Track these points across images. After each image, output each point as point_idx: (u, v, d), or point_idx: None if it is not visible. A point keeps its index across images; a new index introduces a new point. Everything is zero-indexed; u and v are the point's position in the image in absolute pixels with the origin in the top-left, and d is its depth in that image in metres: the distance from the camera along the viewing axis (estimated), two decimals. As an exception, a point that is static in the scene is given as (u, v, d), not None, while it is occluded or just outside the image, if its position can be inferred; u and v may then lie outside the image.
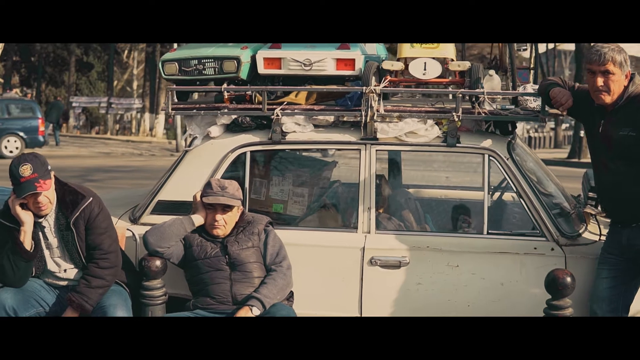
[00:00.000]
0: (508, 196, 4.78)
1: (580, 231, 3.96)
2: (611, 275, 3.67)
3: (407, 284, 3.91)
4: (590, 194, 4.36)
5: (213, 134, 4.15)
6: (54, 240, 3.73)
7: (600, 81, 3.56)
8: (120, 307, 3.63)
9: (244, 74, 4.17)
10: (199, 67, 4.21)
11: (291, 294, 3.85)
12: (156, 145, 27.55)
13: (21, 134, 19.26)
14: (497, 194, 4.84)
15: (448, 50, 4.12)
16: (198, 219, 3.85)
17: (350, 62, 4.10)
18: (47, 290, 3.77)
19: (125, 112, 33.78)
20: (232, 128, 4.17)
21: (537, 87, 4.04)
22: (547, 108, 3.90)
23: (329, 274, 3.97)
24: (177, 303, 3.94)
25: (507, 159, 3.93)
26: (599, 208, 4.04)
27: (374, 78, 4.01)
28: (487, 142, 3.97)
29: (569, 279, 3.47)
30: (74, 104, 31.68)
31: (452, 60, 4.14)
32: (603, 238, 3.85)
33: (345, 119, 4.09)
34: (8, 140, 19.17)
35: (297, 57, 4.11)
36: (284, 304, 3.73)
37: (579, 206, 4.21)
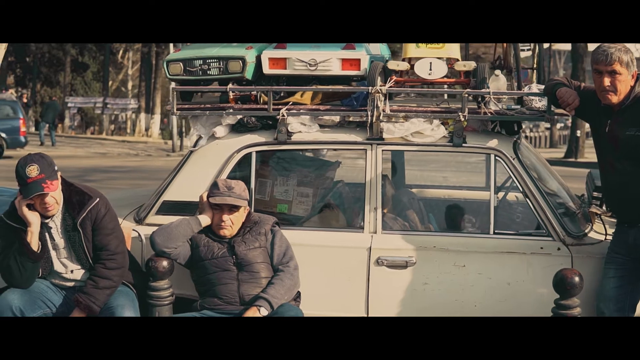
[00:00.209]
0: (510, 196, 4.79)
1: (586, 231, 3.97)
2: (618, 274, 3.68)
3: (414, 284, 3.91)
4: (595, 194, 4.37)
5: (218, 134, 4.15)
6: (60, 241, 3.72)
7: (607, 81, 3.57)
8: (128, 308, 3.62)
9: (249, 74, 4.16)
10: (203, 67, 4.20)
11: (298, 294, 3.85)
12: (152, 145, 27.51)
13: (2, 134, 18.89)
14: (500, 194, 4.84)
15: (453, 50, 4.12)
16: (205, 220, 3.84)
17: (356, 62, 4.10)
18: (54, 291, 3.76)
19: (120, 113, 33.72)
20: (238, 128, 4.17)
21: (542, 87, 4.04)
22: (553, 108, 3.91)
23: (335, 274, 3.96)
24: (183, 303, 3.93)
25: (514, 159, 3.93)
26: (604, 208, 4.05)
27: (379, 78, 4.01)
28: (493, 142, 3.97)
29: (577, 279, 3.48)
30: (69, 104, 31.60)
31: (458, 60, 4.14)
32: (609, 238, 3.86)
33: (351, 119, 4.08)
34: None
35: (302, 57, 4.11)
36: (291, 305, 3.72)
37: (584, 206, 4.22)
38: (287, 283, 3.72)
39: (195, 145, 4.23)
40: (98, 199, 3.69)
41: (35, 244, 3.60)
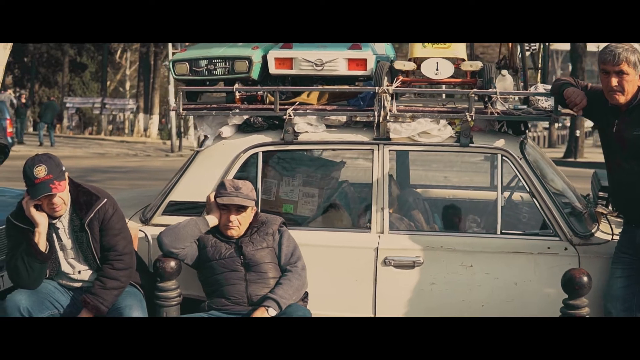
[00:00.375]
0: (515, 196, 4.79)
1: (593, 231, 3.97)
2: (625, 274, 3.68)
3: (421, 284, 3.91)
4: (601, 194, 4.37)
5: (225, 135, 4.14)
6: (68, 242, 3.71)
7: (614, 81, 3.57)
8: (136, 308, 3.61)
9: (255, 74, 4.16)
10: (209, 67, 4.20)
11: (306, 294, 3.84)
12: (150, 145, 27.48)
13: None
14: (506, 194, 4.84)
15: (459, 50, 4.12)
16: (212, 220, 3.83)
17: (362, 62, 4.10)
18: (62, 292, 3.76)
19: (119, 113, 33.68)
20: (244, 128, 4.16)
21: (548, 86, 4.05)
22: (560, 108, 3.91)
23: (342, 274, 3.96)
24: (190, 304, 3.93)
25: (520, 159, 3.93)
26: (610, 207, 4.06)
27: (386, 78, 4.01)
28: (500, 142, 3.97)
29: (585, 279, 3.48)
30: (67, 105, 31.54)
31: (464, 60, 4.14)
32: (615, 237, 3.86)
33: (358, 119, 4.08)
34: None
35: (308, 57, 4.11)
36: (299, 305, 3.72)
37: (590, 206, 4.22)
38: (295, 283, 3.71)
39: (201, 145, 4.23)
40: (106, 200, 3.69)
41: (43, 245, 3.59)
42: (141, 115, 32.59)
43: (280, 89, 4.09)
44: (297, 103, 4.12)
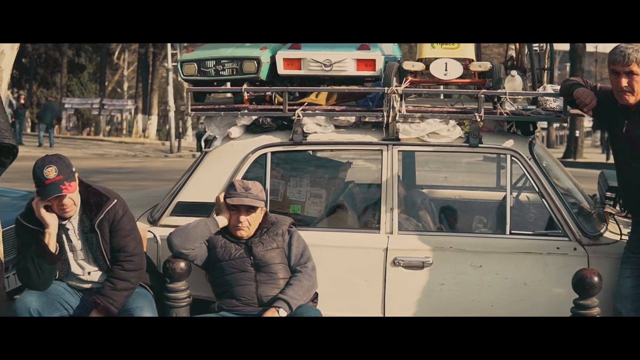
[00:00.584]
0: (520, 196, 4.79)
1: (602, 231, 3.97)
2: (634, 274, 3.68)
3: (431, 285, 3.90)
4: (608, 194, 4.38)
5: (233, 135, 4.14)
6: (77, 243, 3.70)
7: (624, 82, 3.57)
8: (146, 309, 3.60)
9: (263, 74, 4.16)
10: (217, 67, 4.20)
11: (316, 295, 3.84)
12: (149, 146, 27.47)
13: None
14: (513, 194, 4.84)
15: (468, 50, 4.13)
16: (222, 221, 3.83)
17: (371, 63, 4.10)
18: (71, 294, 3.74)
19: (117, 114, 33.64)
20: (253, 129, 4.16)
21: (557, 87, 4.05)
22: (568, 108, 3.92)
23: (351, 274, 3.96)
24: (199, 305, 3.92)
25: (529, 159, 3.94)
26: (618, 207, 4.06)
27: (395, 79, 4.01)
28: (509, 143, 3.97)
29: (596, 279, 3.48)
30: (66, 106, 31.50)
31: (472, 60, 4.14)
32: (624, 237, 3.87)
33: (367, 119, 4.07)
34: None
35: (317, 58, 4.11)
36: (310, 306, 3.71)
37: (599, 206, 4.22)
38: (305, 284, 3.71)
39: (209, 146, 4.22)
40: (116, 200, 3.68)
41: (53, 246, 3.58)
42: (140, 116, 32.55)
43: (289, 90, 4.09)
44: (305, 104, 4.12)
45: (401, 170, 5.22)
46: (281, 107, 4.07)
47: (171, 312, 3.74)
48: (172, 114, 25.98)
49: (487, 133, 4.03)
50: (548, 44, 4.60)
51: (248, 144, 4.12)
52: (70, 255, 3.71)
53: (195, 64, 4.22)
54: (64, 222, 3.66)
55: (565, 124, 28.53)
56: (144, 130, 32.21)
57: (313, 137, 4.09)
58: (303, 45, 4.17)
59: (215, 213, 3.92)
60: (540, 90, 4.15)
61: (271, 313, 3.60)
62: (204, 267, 3.87)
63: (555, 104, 4.01)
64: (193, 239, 3.76)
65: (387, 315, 3.93)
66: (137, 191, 5.88)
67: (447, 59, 4.04)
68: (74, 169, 3.62)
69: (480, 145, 3.97)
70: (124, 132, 33.91)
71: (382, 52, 4.14)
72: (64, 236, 3.67)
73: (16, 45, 4.21)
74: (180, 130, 28.96)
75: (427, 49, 4.11)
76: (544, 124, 33.62)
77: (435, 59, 4.07)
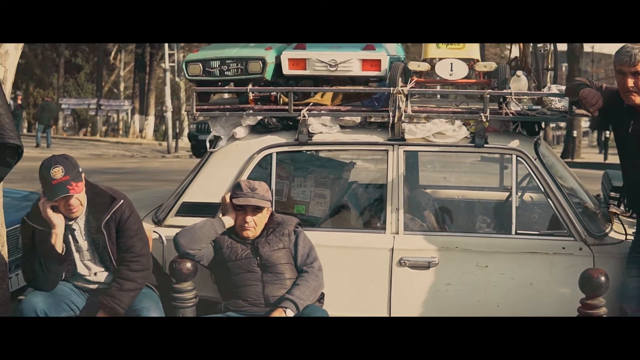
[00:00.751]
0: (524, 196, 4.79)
1: (607, 231, 3.98)
2: (640, 274, 3.69)
3: (436, 285, 3.91)
4: (612, 194, 4.38)
5: (239, 135, 4.13)
6: (84, 243, 3.69)
7: (630, 82, 3.57)
8: (153, 310, 3.60)
9: (269, 74, 4.16)
10: (222, 67, 4.19)
11: (322, 295, 3.84)
12: (146, 147, 27.44)
13: None
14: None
15: (473, 50, 4.13)
16: (228, 221, 3.82)
17: (377, 63, 4.10)
18: (77, 294, 3.74)
19: (114, 114, 33.60)
20: (258, 129, 4.15)
21: (562, 87, 4.06)
22: (574, 108, 3.92)
23: (357, 275, 3.96)
24: (204, 306, 3.91)
25: (535, 159, 3.94)
26: (622, 207, 4.06)
27: (400, 79, 4.01)
28: (515, 143, 3.98)
29: (603, 278, 3.48)
30: (63, 106, 31.44)
31: (478, 60, 4.14)
32: (629, 237, 3.87)
33: (372, 119, 4.07)
34: None
35: (322, 58, 4.10)
36: (317, 306, 3.71)
37: (604, 206, 4.23)
38: (312, 284, 3.71)
39: (214, 146, 4.22)
40: (122, 201, 3.67)
41: (59, 246, 3.57)
42: (137, 117, 32.51)
43: (295, 90, 4.09)
44: (311, 104, 4.11)
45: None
46: (286, 107, 4.07)
47: (177, 313, 3.73)
48: (169, 114, 25.97)
49: (493, 133, 4.03)
50: (551, 44, 4.60)
51: (253, 145, 4.11)
52: (76, 255, 3.70)
53: (200, 64, 4.21)
54: (70, 223, 3.65)
55: (562, 124, 28.58)
56: (140, 131, 32.18)
57: (318, 138, 4.09)
58: (308, 46, 4.16)
59: (221, 213, 3.92)
60: (545, 90, 4.15)
61: (278, 313, 3.59)
62: (210, 268, 3.86)
63: (561, 104, 4.02)
64: (199, 239, 3.76)
65: (393, 315, 3.93)
66: (136, 191, 5.86)
67: (452, 59, 4.05)
68: (80, 169, 3.61)
69: (486, 145, 3.97)
70: (121, 132, 33.86)
71: (387, 53, 4.14)
72: (70, 237, 3.67)
73: (20, 46, 4.19)
74: (177, 130, 28.94)
75: (432, 49, 4.12)
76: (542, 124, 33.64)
77: (441, 59, 4.07)
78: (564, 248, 3.88)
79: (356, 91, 4.17)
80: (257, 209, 3.78)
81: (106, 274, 3.73)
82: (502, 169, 5.19)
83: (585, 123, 26.32)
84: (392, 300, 3.93)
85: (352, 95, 4.23)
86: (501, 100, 4.00)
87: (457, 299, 3.89)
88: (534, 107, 4.09)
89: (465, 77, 4.11)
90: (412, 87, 4.03)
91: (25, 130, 31.05)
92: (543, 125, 4.30)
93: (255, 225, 3.79)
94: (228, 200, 3.85)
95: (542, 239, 3.96)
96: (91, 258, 3.72)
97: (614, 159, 19.22)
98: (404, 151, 4.04)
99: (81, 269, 3.72)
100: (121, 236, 3.64)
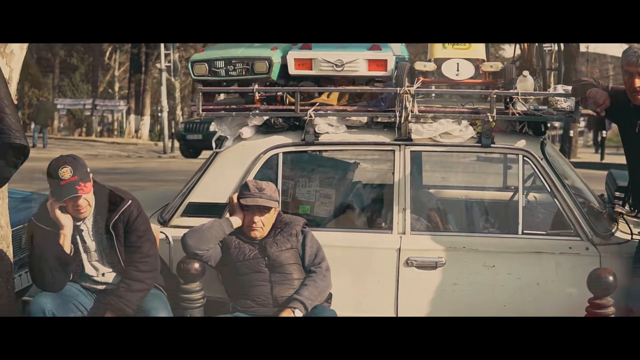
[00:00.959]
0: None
1: (613, 230, 3.99)
2: (647, 274, 3.70)
3: (443, 285, 3.91)
4: (617, 194, 4.40)
5: (245, 135, 4.13)
6: (92, 244, 3.68)
7: (638, 82, 3.59)
8: (162, 310, 3.59)
9: (274, 74, 4.15)
10: (228, 67, 4.18)
11: (330, 295, 3.84)
12: (142, 147, 27.36)
13: None
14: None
15: (480, 51, 4.14)
16: (236, 221, 3.82)
17: (383, 63, 4.10)
18: (85, 295, 3.72)
19: (109, 114, 33.50)
20: (264, 129, 4.15)
21: (568, 87, 4.06)
22: (580, 108, 3.93)
23: (364, 275, 3.96)
24: (212, 306, 3.91)
25: (541, 159, 3.95)
26: (627, 207, 4.07)
27: (407, 79, 4.01)
28: (521, 143, 3.98)
29: (611, 278, 3.50)
30: (58, 106, 31.34)
31: (484, 61, 4.15)
32: (635, 237, 3.88)
33: (379, 119, 4.08)
34: None
35: (328, 58, 4.10)
36: (325, 306, 3.71)
37: (609, 206, 4.24)
38: (320, 284, 3.71)
39: (220, 146, 4.21)
40: (130, 201, 3.66)
41: (67, 247, 3.56)
42: (132, 117, 32.44)
43: (302, 90, 4.08)
44: (317, 104, 4.11)
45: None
46: (293, 107, 4.07)
47: (185, 313, 3.73)
48: (165, 115, 25.91)
49: (499, 133, 4.04)
50: (556, 44, 4.61)
51: (259, 145, 4.11)
52: (84, 256, 3.69)
53: (206, 64, 4.21)
54: (78, 223, 3.64)
55: (557, 124, 28.61)
56: (136, 131, 32.10)
57: (325, 138, 4.09)
58: (314, 46, 4.16)
59: (228, 213, 3.91)
60: (550, 90, 4.16)
61: (287, 314, 3.59)
62: (217, 268, 3.86)
63: (567, 104, 4.02)
64: (207, 239, 3.75)
65: (400, 315, 3.93)
66: (135, 192, 5.84)
67: (458, 59, 4.06)
68: (88, 170, 3.60)
69: (492, 145, 3.98)
70: (116, 132, 33.77)
71: (393, 53, 4.14)
72: (78, 237, 3.65)
73: (25, 46, 4.18)
74: (173, 130, 28.87)
75: (438, 49, 4.12)
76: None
77: (447, 59, 4.08)
78: (570, 248, 3.88)
79: (363, 91, 4.17)
80: (265, 209, 3.78)
81: (114, 274, 3.72)
82: (506, 168, 5.20)
83: (581, 123, 26.31)
84: (399, 300, 3.93)
85: (359, 95, 4.22)
86: (507, 100, 4.01)
87: (464, 299, 3.90)
88: (540, 107, 4.09)
89: (472, 77, 4.11)
90: (418, 87, 4.03)
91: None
92: (549, 125, 4.31)
93: (262, 225, 3.78)
94: (235, 200, 3.85)
95: (549, 239, 3.97)
96: (99, 259, 3.71)
97: (610, 159, 19.31)
98: (411, 151, 4.04)
99: (89, 270, 3.71)
100: (129, 237, 3.63)
